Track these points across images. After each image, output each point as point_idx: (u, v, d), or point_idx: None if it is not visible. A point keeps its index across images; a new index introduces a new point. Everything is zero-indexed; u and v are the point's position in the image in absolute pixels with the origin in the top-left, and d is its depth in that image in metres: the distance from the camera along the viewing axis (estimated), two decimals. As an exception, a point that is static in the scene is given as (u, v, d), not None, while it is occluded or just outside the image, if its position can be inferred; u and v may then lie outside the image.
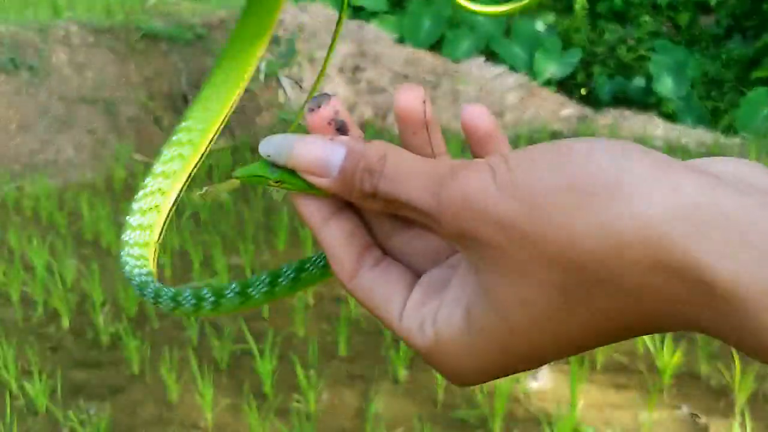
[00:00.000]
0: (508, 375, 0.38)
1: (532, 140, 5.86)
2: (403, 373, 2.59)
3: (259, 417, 2.33)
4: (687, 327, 0.32)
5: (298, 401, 2.45)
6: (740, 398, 2.36)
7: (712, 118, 7.46)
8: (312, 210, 0.42)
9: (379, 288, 0.40)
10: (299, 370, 2.43)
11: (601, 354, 2.63)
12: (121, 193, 4.73)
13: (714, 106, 7.61)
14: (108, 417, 2.39)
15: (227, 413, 2.43)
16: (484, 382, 0.38)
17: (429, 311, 0.38)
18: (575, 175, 0.32)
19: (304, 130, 0.43)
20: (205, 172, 5.10)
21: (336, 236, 0.41)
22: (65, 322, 3.02)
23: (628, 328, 0.34)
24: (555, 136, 6.07)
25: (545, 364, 0.37)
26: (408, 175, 0.37)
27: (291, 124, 6.07)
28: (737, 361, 2.43)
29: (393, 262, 0.41)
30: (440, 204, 0.36)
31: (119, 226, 4.03)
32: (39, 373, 2.63)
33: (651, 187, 0.31)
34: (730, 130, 6.86)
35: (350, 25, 7.21)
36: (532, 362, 0.37)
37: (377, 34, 7.24)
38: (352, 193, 0.39)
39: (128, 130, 5.44)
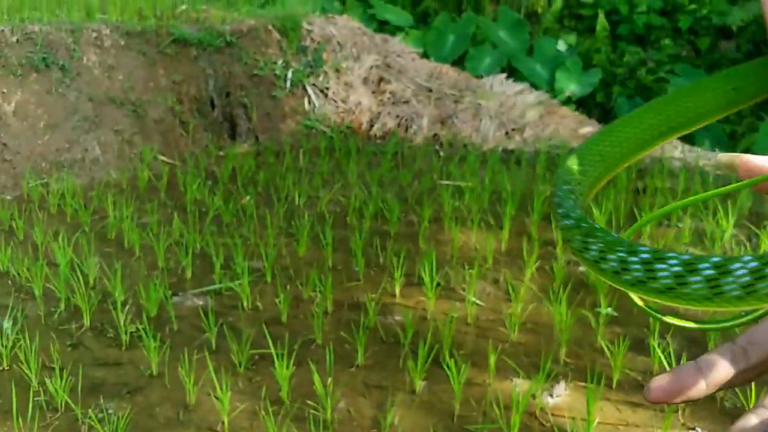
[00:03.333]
0: None
1: (551, 157, 5.88)
2: (420, 385, 2.62)
3: (275, 423, 2.36)
4: None
5: (314, 409, 2.48)
6: (755, 423, 2.36)
7: (730, 142, 7.44)
8: None
9: None
10: (316, 378, 2.46)
11: (617, 372, 2.64)
12: (145, 194, 4.80)
13: (732, 129, 7.59)
14: (127, 416, 2.43)
15: (244, 417, 2.47)
16: None
17: None
18: None
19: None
20: (228, 176, 5.17)
21: None
22: (86, 320, 3.08)
23: None
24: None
25: None
26: None
27: (315, 130, 6.11)
28: (752, 383, 2.43)
29: None
30: None
31: (143, 226, 4.09)
32: (60, 370, 2.68)
33: None
34: (747, 153, 6.85)
35: (376, 38, 7.28)
36: None
37: (402, 48, 7.31)
38: None
39: (154, 133, 5.52)
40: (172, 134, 5.62)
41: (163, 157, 5.42)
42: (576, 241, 0.49)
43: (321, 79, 6.54)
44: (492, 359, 2.66)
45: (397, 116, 6.58)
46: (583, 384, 2.62)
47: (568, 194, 0.53)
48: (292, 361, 2.63)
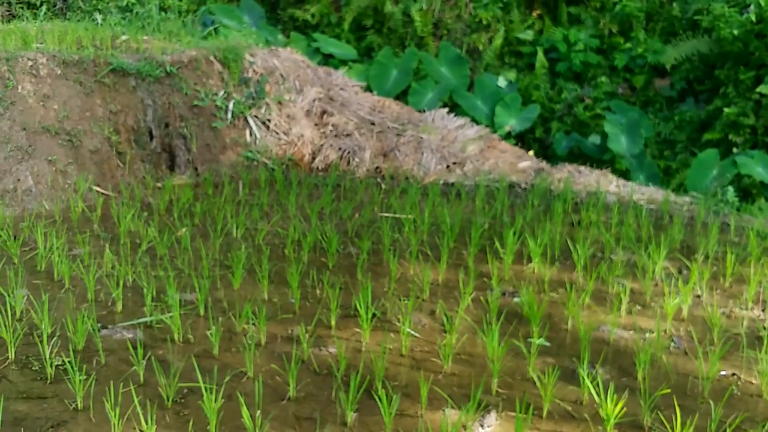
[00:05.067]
0: None
1: (490, 190, 5.98)
2: (351, 417, 2.60)
3: (203, 455, 2.31)
4: None
5: (243, 441, 2.43)
6: (679, 450, 2.41)
7: (663, 177, 7.70)
8: None
9: None
10: (245, 411, 2.42)
11: (547, 402, 2.67)
12: (77, 225, 4.69)
13: (666, 165, 7.88)
14: (48, 451, 2.34)
15: (171, 451, 2.40)
16: None
17: None
18: None
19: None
20: (165, 208, 5.09)
21: None
22: (11, 353, 2.97)
23: None
24: (512, 187, 6.22)
25: None
26: None
27: (256, 162, 6.10)
28: (678, 413, 2.49)
29: None
30: None
31: (73, 258, 3.99)
32: (-21, 405, 2.57)
33: None
34: (680, 188, 7.10)
35: (319, 71, 7.34)
36: None
37: (345, 81, 7.38)
38: None
39: (90, 163, 5.41)
40: (108, 165, 5.53)
41: (97, 188, 5.31)
42: None
43: (263, 110, 6.54)
44: (424, 390, 2.67)
45: (340, 149, 6.61)
46: (513, 414, 2.63)
47: None
48: (221, 395, 2.58)
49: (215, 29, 7.95)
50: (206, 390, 2.54)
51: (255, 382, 2.78)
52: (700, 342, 3.31)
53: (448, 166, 6.64)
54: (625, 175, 7.39)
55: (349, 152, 6.58)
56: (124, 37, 6.46)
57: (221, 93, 6.35)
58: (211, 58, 6.43)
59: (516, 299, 3.75)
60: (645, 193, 6.19)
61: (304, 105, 6.80)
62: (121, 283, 3.57)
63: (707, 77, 8.41)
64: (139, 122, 5.82)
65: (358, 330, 3.29)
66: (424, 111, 7.57)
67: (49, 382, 2.80)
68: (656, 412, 2.66)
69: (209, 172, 5.96)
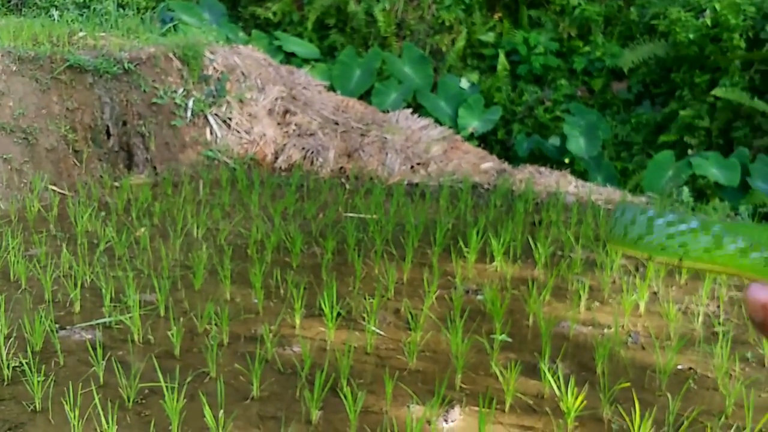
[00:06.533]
0: None
1: (453, 191, 6.02)
2: (316, 414, 2.59)
3: (165, 456, 2.28)
4: None
5: (206, 441, 2.41)
6: (638, 442, 2.46)
7: (621, 178, 7.84)
8: None
9: None
10: (207, 411, 2.39)
11: (509, 396, 2.70)
12: (34, 225, 4.58)
13: (623, 166, 8.02)
14: (4, 454, 2.28)
15: (132, 452, 2.37)
16: None
17: None
18: None
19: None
20: (123, 207, 5.01)
21: None
22: (-36, 356, 2.89)
23: None
24: (475, 188, 6.26)
25: None
26: None
27: (216, 161, 6.02)
28: (637, 406, 2.54)
29: None
30: None
31: (30, 258, 3.90)
32: (-69, 408, 2.50)
33: None
34: (637, 189, 7.24)
35: (281, 69, 7.30)
36: None
37: (308, 80, 7.35)
38: None
39: (46, 162, 5.30)
40: (64, 163, 5.42)
41: (54, 187, 5.20)
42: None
43: (224, 109, 6.48)
44: (389, 387, 2.67)
45: (303, 148, 6.58)
46: (477, 408, 2.66)
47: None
48: (183, 395, 2.55)
49: (174, 26, 7.84)
50: (168, 390, 2.50)
51: (218, 382, 2.75)
52: (657, 337, 3.38)
53: (412, 167, 6.66)
54: (583, 176, 7.50)
55: (312, 152, 6.56)
56: (81, 34, 6.33)
57: (181, 91, 6.27)
58: (171, 55, 6.34)
59: (479, 297, 3.78)
60: (603, 194, 6.30)
61: (266, 104, 6.75)
62: (78, 283, 3.50)
63: (663, 80, 8.59)
64: (96, 120, 5.71)
65: (322, 329, 3.28)
66: (388, 111, 7.58)
67: (6, 383, 2.73)
68: (615, 405, 2.71)
69: (168, 172, 5.88)
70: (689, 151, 7.78)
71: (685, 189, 6.33)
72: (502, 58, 8.94)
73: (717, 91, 7.66)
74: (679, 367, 3.12)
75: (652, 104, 8.61)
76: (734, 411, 2.74)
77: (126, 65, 5.93)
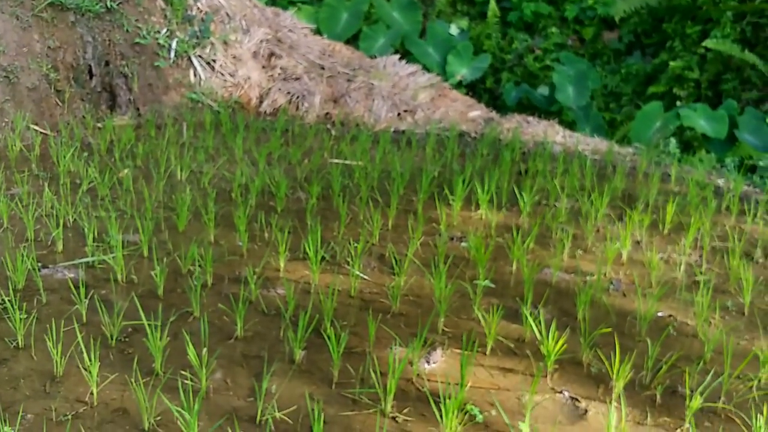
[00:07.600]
0: None
1: (440, 139, 5.98)
2: (300, 354, 2.60)
3: (147, 393, 2.29)
4: None
5: (189, 379, 2.42)
6: (618, 385, 2.50)
7: (608, 129, 7.83)
8: None
9: None
10: (191, 348, 2.40)
11: (491, 339, 2.73)
12: (15, 164, 4.52)
13: (611, 117, 8.00)
14: (-14, 390, 2.29)
15: (114, 388, 2.37)
16: None
17: None
18: None
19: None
20: (106, 148, 4.94)
21: None
22: (-55, 293, 2.87)
23: None
24: (462, 136, 6.23)
25: None
26: None
27: (200, 104, 5.94)
28: (617, 351, 2.58)
29: None
30: None
31: (11, 197, 3.85)
32: None
33: None
34: (624, 140, 7.24)
35: (267, 11, 7.15)
36: None
37: (294, 23, 7.21)
38: None
39: (27, 101, 5.19)
40: (46, 103, 5.31)
41: (35, 127, 5.11)
42: None
43: (208, 50, 6.35)
44: (372, 329, 2.69)
45: (288, 93, 6.49)
46: (459, 351, 2.68)
47: None
48: (166, 333, 2.56)
49: (159, -35, 7.62)
50: (151, 328, 2.50)
51: (201, 322, 2.76)
52: (639, 285, 3.41)
53: (399, 114, 6.60)
54: (571, 126, 7.48)
55: (298, 97, 6.47)
56: (61, -30, 6.14)
57: (164, 31, 6.13)
58: (155, -6, 6.18)
59: (463, 244, 3.79)
60: (590, 144, 6.29)
61: (250, 46, 6.62)
62: (61, 222, 3.46)
63: (655, 31, 8.51)
64: (78, 59, 5.59)
65: (307, 272, 3.28)
66: (375, 57, 7.48)
67: (-14, 321, 2.72)
68: (595, 349, 2.75)
69: (151, 113, 5.79)
70: (678, 103, 7.76)
71: (672, 140, 6.33)
72: (492, 4, 8.80)
73: (708, 43, 7.60)
74: (660, 314, 3.16)
75: (642, 55, 8.55)
76: (713, 357, 2.79)
77: (108, 4, 5.77)
